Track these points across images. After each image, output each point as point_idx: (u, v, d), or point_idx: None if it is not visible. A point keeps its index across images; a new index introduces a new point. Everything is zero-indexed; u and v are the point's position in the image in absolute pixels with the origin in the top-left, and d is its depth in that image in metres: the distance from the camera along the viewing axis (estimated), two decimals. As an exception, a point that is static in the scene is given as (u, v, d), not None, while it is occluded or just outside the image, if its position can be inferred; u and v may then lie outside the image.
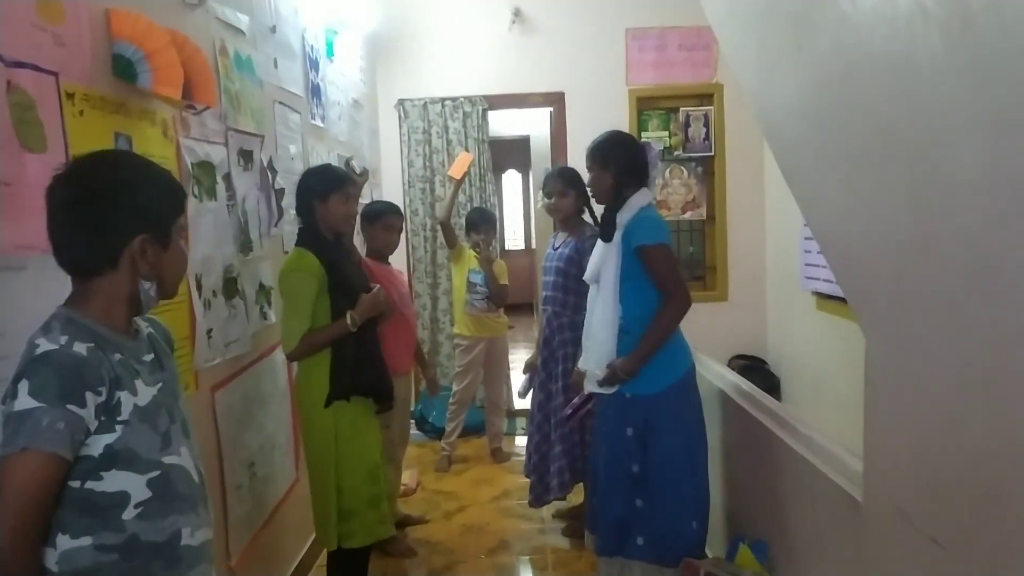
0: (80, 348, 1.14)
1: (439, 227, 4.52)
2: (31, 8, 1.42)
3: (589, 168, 2.61)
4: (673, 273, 2.42)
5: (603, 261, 2.49)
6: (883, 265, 1.44)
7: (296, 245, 2.44)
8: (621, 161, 2.52)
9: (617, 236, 2.46)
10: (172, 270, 1.30)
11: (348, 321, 2.35)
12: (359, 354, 2.42)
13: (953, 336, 1.23)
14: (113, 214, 1.20)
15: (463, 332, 4.42)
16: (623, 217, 2.46)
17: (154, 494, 1.21)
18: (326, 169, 2.60)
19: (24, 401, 1.09)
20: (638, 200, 2.48)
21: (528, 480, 3.49)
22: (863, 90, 1.41)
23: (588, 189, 2.71)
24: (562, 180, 3.26)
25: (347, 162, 3.80)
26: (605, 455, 2.52)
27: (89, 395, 1.13)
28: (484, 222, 4.24)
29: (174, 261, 1.30)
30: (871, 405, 1.54)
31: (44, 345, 1.13)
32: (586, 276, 2.64)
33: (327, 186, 2.44)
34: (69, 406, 1.11)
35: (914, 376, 1.37)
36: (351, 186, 2.55)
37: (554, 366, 3.27)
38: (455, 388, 4.50)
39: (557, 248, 3.31)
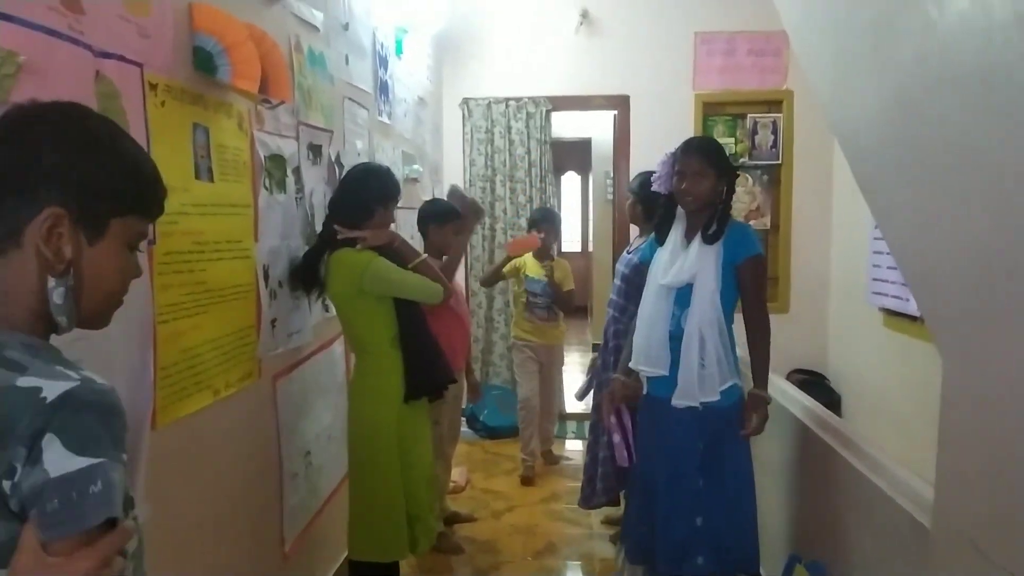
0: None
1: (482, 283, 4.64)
2: (119, 1, 1.47)
3: (699, 171, 2.38)
4: (765, 291, 2.43)
5: (700, 263, 2.34)
6: (963, 283, 1.38)
7: (338, 247, 2.34)
8: (730, 168, 2.46)
9: (719, 242, 2.35)
10: (99, 279, 0.91)
11: (422, 256, 2.44)
12: (427, 352, 2.44)
13: (1038, 361, 1.17)
14: (27, 166, 0.85)
15: (521, 335, 4.33)
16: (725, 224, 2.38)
17: None
18: (391, 176, 2.51)
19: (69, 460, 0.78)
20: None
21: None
22: (947, 101, 1.35)
23: (683, 191, 2.41)
24: (631, 188, 3.23)
25: (453, 190, 3.29)
26: (669, 470, 2.39)
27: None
28: (546, 221, 4.18)
29: (105, 267, 0.91)
30: (946, 429, 1.48)
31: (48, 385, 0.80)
32: (667, 280, 2.40)
33: (395, 194, 2.46)
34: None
35: (993, 401, 1.31)
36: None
37: (610, 371, 3.24)
38: (521, 394, 4.38)
39: (630, 252, 3.27)
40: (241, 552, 2.08)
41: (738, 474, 2.34)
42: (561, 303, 4.24)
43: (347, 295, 2.33)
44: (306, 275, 2.39)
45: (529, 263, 4.17)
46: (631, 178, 3.51)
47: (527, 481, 4.19)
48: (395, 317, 2.38)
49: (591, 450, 3.38)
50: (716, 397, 2.30)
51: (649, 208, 3.10)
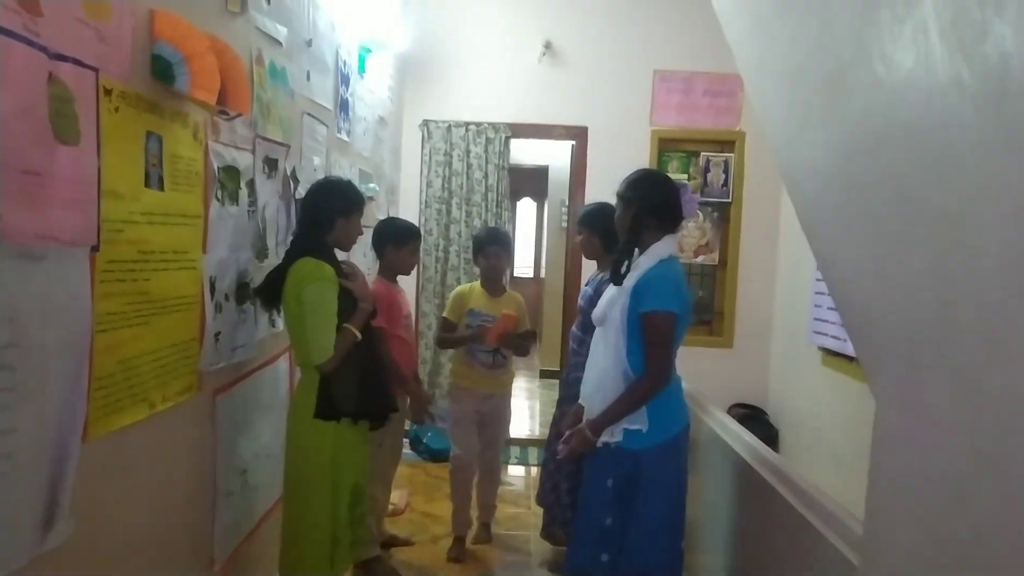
0: None
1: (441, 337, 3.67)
2: (78, 4, 1.44)
3: (615, 205, 2.47)
4: (662, 347, 2.28)
5: (610, 306, 2.36)
6: (899, 329, 1.43)
7: (303, 255, 2.31)
8: (644, 200, 2.37)
9: (628, 283, 2.31)
10: None
11: (354, 332, 2.33)
12: (359, 375, 2.38)
13: (966, 407, 1.22)
14: None
15: (458, 381, 3.55)
16: (643, 264, 2.32)
17: None
18: (351, 187, 2.53)
19: None
20: (660, 249, 2.34)
21: (529, 509, 3.46)
22: (893, 155, 1.41)
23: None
24: (580, 222, 3.26)
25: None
26: (581, 503, 2.46)
27: None
28: (495, 243, 3.47)
29: None
30: (876, 469, 1.52)
31: None
32: (594, 315, 2.49)
33: (355, 205, 2.46)
34: None
35: (923, 444, 1.35)
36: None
37: (569, 404, 3.22)
38: (453, 452, 3.59)
39: (586, 285, 3.30)
40: (169, 571, 2.01)
41: (644, 523, 2.29)
42: (515, 347, 3.48)
43: (292, 304, 2.29)
44: (268, 288, 2.37)
45: (476, 293, 3.49)
46: (581, 210, 3.39)
47: (456, 558, 3.47)
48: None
49: (552, 481, 3.36)
50: (615, 439, 2.32)
51: (610, 241, 3.07)
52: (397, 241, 3.21)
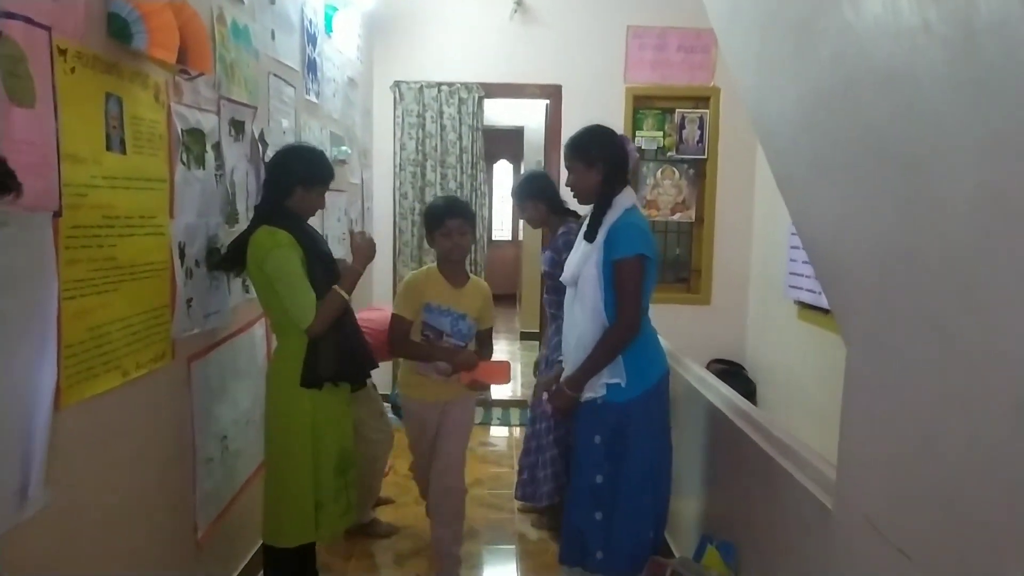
0: None
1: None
2: (27, -41, 1.39)
3: (570, 167, 2.46)
4: (631, 295, 2.29)
5: (583, 263, 2.36)
6: (868, 276, 1.45)
7: (260, 223, 2.25)
8: (608, 159, 2.39)
9: (600, 238, 2.33)
10: None
11: (341, 294, 2.29)
12: (339, 338, 2.36)
13: (934, 351, 1.24)
14: None
15: (409, 393, 2.86)
16: (609, 218, 2.34)
17: None
18: (319, 159, 2.41)
19: None
20: (623, 200, 2.37)
21: (512, 468, 3.43)
22: (861, 101, 1.41)
23: (569, 187, 2.50)
24: (519, 195, 3.28)
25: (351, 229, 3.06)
26: (573, 464, 2.50)
27: None
28: (455, 215, 2.72)
29: None
30: (847, 414, 1.55)
31: None
32: (563, 277, 2.49)
33: (318, 177, 2.35)
34: None
35: (892, 388, 1.37)
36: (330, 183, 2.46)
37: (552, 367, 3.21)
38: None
39: (545, 251, 3.29)
40: (152, 539, 2.01)
41: (632, 473, 2.34)
42: (481, 345, 2.87)
43: (257, 275, 2.26)
44: (233, 255, 2.32)
45: (433, 281, 2.76)
46: (516, 185, 3.36)
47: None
48: (316, 293, 2.29)
49: (531, 444, 3.38)
50: (597, 393, 2.35)
51: (555, 204, 3.25)
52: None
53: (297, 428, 2.32)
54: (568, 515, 2.48)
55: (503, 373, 2.88)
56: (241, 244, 2.29)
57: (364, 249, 2.41)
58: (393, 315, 2.76)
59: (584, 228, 2.42)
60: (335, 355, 2.34)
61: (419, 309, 2.73)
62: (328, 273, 2.33)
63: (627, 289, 2.29)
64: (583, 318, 2.37)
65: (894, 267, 1.35)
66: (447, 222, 2.70)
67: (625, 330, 2.30)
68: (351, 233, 2.50)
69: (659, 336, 2.54)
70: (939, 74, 1.13)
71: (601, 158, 2.39)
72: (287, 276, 2.21)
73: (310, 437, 2.34)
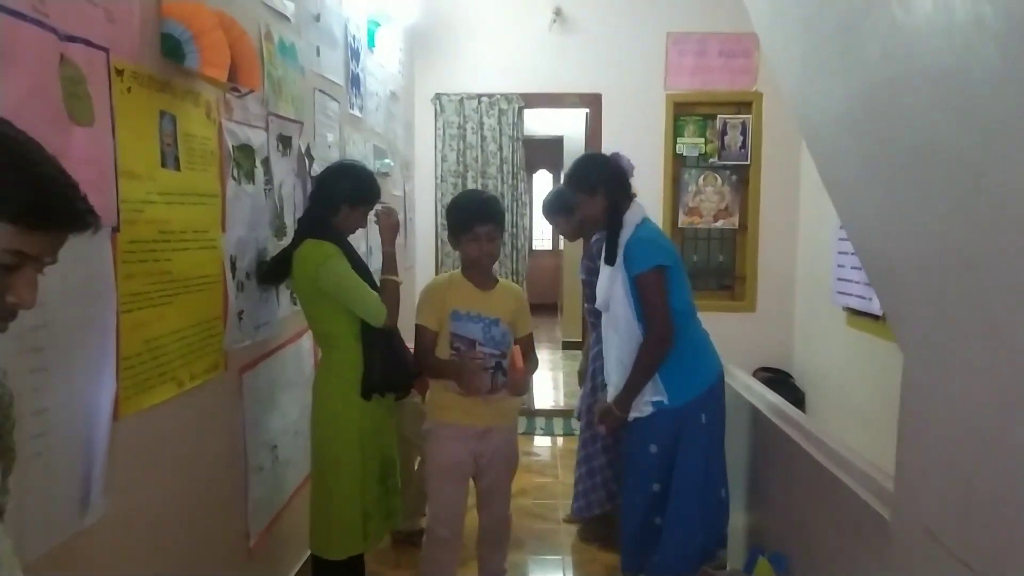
0: None
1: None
2: (86, -16, 1.44)
3: (576, 202, 2.56)
4: (657, 308, 2.33)
5: (611, 285, 2.42)
6: (924, 280, 1.41)
7: (305, 236, 2.27)
8: (608, 181, 2.46)
9: (620, 259, 2.39)
10: None
11: (393, 280, 2.35)
12: (391, 348, 2.39)
13: (994, 356, 1.20)
14: None
15: (442, 417, 2.50)
16: (623, 237, 2.40)
17: None
18: (368, 179, 2.44)
19: None
20: (633, 217, 2.43)
21: (557, 479, 3.42)
22: (912, 100, 1.38)
23: (580, 222, 2.67)
24: (549, 211, 3.31)
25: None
26: (626, 474, 2.51)
27: None
28: (485, 218, 2.41)
29: None
30: (906, 423, 1.51)
31: None
32: (597, 304, 2.53)
33: (365, 197, 2.39)
34: None
35: (952, 395, 1.34)
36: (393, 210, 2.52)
37: (595, 377, 3.20)
38: (428, 519, 2.64)
39: (583, 260, 3.31)
40: (205, 546, 2.05)
41: (688, 478, 2.37)
42: (523, 354, 2.46)
43: (307, 289, 2.29)
44: (278, 268, 2.36)
45: (457, 286, 2.47)
46: (546, 203, 3.41)
47: None
48: None
49: (580, 455, 3.36)
50: (643, 412, 2.39)
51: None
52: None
53: (346, 438, 2.34)
54: (626, 525, 2.48)
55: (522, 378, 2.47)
56: (286, 258, 2.32)
57: (389, 226, 2.43)
58: (416, 327, 2.46)
59: (604, 253, 2.46)
60: (384, 365, 2.37)
61: (444, 318, 2.43)
62: (369, 283, 2.36)
63: (651, 303, 2.33)
64: (619, 339, 2.43)
65: (950, 271, 1.32)
66: (476, 228, 2.39)
67: (656, 343, 2.33)
68: (376, 213, 2.48)
69: (711, 340, 2.53)
70: (994, 72, 1.11)
71: (601, 182, 2.47)
72: (347, 281, 2.25)
73: (358, 447, 2.36)
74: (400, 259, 2.57)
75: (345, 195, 2.35)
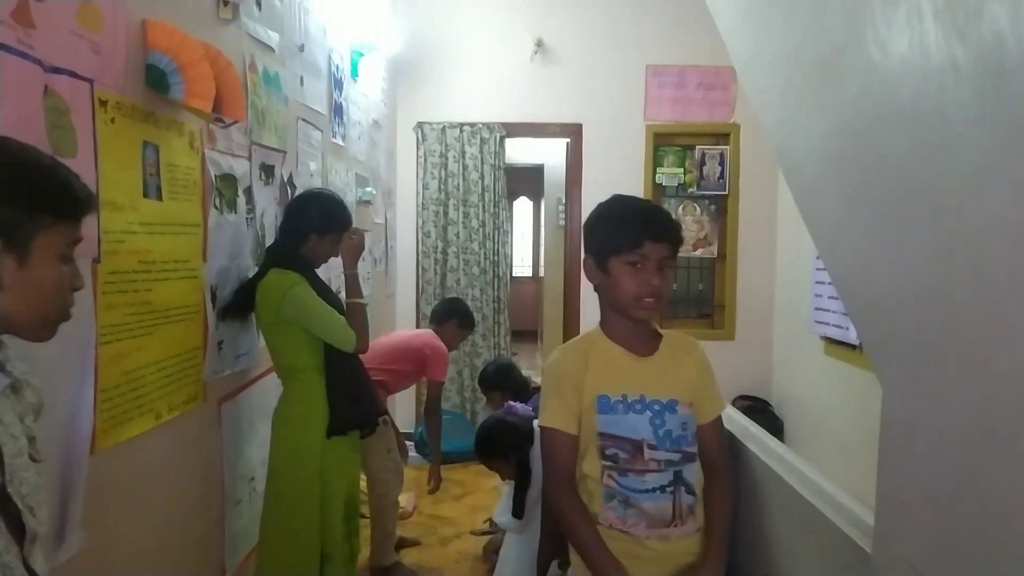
0: None
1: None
2: (71, 15, 1.44)
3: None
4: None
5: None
6: (904, 314, 1.43)
7: (270, 266, 2.26)
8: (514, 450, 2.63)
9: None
10: (36, 299, 0.92)
11: (358, 303, 2.32)
12: (354, 383, 2.35)
13: (974, 390, 1.22)
14: None
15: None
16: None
17: None
18: (338, 207, 2.42)
19: None
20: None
21: None
22: (889, 138, 1.41)
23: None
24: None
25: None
26: None
27: None
28: (655, 234, 1.46)
29: (38, 286, 0.91)
30: (885, 455, 1.52)
31: None
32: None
33: (334, 226, 2.35)
34: None
35: (932, 428, 1.35)
36: (359, 231, 2.48)
37: None
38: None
39: None
40: (181, 581, 2.01)
41: None
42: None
43: (269, 319, 2.25)
44: (242, 300, 2.29)
45: (600, 357, 1.62)
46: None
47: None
48: (321, 344, 2.28)
49: None
50: None
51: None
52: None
53: (305, 476, 2.27)
54: None
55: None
56: (250, 289, 2.27)
57: (349, 248, 2.40)
58: (542, 432, 1.60)
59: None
60: (352, 403, 2.33)
61: (589, 408, 1.56)
62: (327, 296, 2.34)
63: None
64: None
65: (929, 307, 1.34)
66: (644, 246, 1.54)
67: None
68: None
69: None
70: (969, 113, 1.14)
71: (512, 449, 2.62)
72: (312, 307, 2.22)
73: (318, 485, 2.29)
74: (381, 286, 2.56)
75: (313, 224, 2.32)
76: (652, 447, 1.54)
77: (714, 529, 1.49)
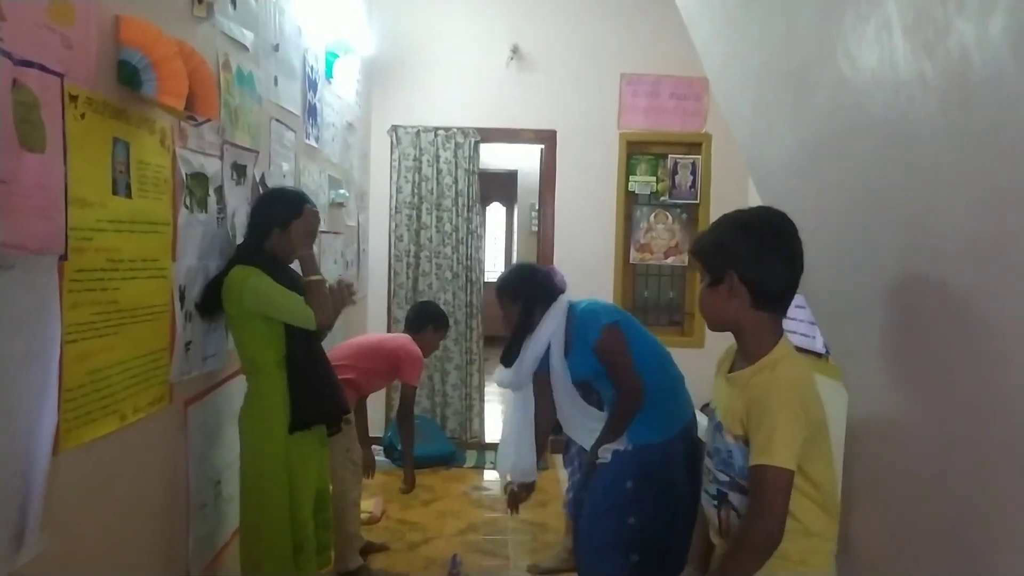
0: None
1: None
2: (42, 8, 1.42)
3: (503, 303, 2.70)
4: (619, 365, 2.47)
5: (515, 377, 2.70)
6: (869, 323, 1.46)
7: (236, 263, 2.25)
8: (528, 296, 2.61)
9: (560, 357, 2.58)
10: None
11: (314, 280, 2.29)
12: (316, 378, 2.35)
13: (936, 398, 1.25)
14: None
15: None
16: (547, 328, 2.57)
17: None
18: (295, 197, 2.40)
19: None
20: (556, 311, 2.57)
21: (508, 514, 3.26)
22: (857, 149, 1.44)
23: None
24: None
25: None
26: (598, 509, 2.48)
27: None
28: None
29: None
30: (851, 460, 1.55)
31: None
32: (506, 383, 2.82)
33: (292, 215, 2.32)
34: None
35: (896, 434, 1.38)
36: (312, 213, 2.40)
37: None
38: None
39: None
40: (144, 586, 1.98)
41: (645, 519, 2.41)
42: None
43: (233, 313, 2.24)
44: (211, 297, 2.26)
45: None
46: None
47: None
48: (283, 338, 2.28)
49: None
50: (603, 458, 2.46)
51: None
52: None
53: (271, 471, 2.28)
54: (602, 563, 2.45)
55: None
56: (216, 286, 2.26)
57: (301, 231, 2.34)
58: (768, 473, 1.34)
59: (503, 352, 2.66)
60: (314, 398, 2.33)
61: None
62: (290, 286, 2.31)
63: (615, 362, 2.44)
64: (572, 410, 2.64)
65: (894, 316, 1.37)
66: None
67: (629, 399, 2.42)
68: (338, 282, 2.50)
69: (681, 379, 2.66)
70: (935, 127, 1.17)
71: (522, 296, 2.62)
72: (270, 293, 2.21)
73: (286, 479, 2.29)
74: (356, 286, 2.54)
75: (274, 217, 2.32)
76: (709, 455, 1.59)
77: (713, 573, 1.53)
